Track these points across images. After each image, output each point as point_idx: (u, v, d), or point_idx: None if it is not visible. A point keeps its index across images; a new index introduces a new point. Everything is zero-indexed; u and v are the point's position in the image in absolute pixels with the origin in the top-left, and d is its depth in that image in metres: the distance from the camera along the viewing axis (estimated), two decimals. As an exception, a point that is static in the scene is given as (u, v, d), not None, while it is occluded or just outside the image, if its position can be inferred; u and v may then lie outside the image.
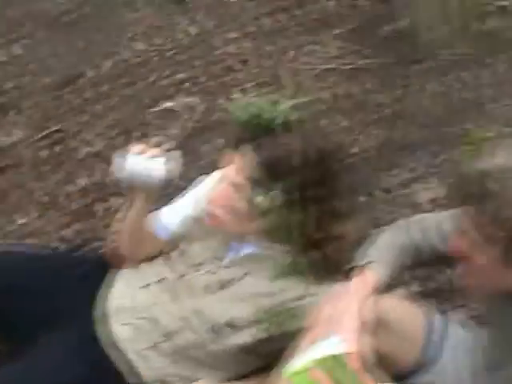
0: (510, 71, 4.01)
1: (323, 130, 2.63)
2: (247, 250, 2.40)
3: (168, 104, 3.85)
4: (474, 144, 1.86)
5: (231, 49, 4.26)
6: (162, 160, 2.33)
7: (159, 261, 2.49)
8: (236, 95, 3.86)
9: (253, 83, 3.97)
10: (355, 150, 3.56)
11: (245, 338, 2.34)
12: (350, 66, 4.05)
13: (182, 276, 2.41)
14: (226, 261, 2.40)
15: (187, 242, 2.47)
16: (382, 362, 2.21)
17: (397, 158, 3.52)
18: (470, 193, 1.74)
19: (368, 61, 4.08)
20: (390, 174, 3.44)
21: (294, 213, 2.25)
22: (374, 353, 2.07)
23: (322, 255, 2.33)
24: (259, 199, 2.24)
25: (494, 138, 1.85)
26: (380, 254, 2.26)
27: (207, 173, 2.62)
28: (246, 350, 2.35)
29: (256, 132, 2.26)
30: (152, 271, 2.47)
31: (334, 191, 2.31)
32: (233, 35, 4.38)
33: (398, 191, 3.34)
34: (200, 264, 2.40)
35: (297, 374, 1.87)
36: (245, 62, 4.16)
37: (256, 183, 2.23)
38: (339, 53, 4.16)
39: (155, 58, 4.19)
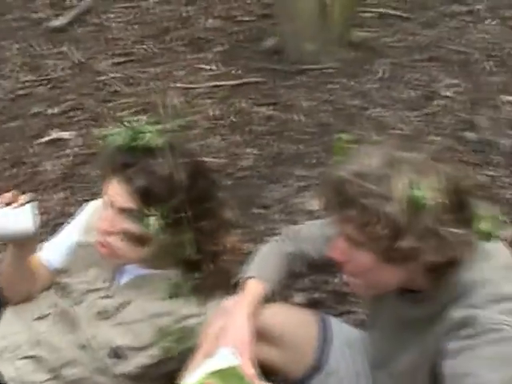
0: (390, 77, 4.16)
1: (194, 151, 2.64)
2: (128, 276, 2.41)
3: (56, 133, 3.83)
4: (343, 150, 1.90)
5: (117, 73, 4.28)
6: (27, 209, 2.25)
7: (52, 291, 2.48)
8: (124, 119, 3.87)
9: (140, 107, 4.01)
10: (245, 163, 3.64)
11: (130, 367, 2.36)
12: (233, 83, 4.13)
13: (73, 305, 2.41)
14: (111, 289, 2.41)
15: (72, 271, 2.46)
16: (273, 372, 2.26)
17: (286, 168, 3.62)
18: (347, 196, 1.75)
19: (250, 77, 4.18)
20: (281, 184, 3.52)
21: (174, 235, 2.28)
22: (262, 364, 2.11)
23: (209, 272, 2.37)
24: (141, 226, 2.26)
25: (363, 143, 1.88)
26: (262, 265, 2.30)
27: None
28: (135, 377, 2.38)
29: (131, 157, 2.26)
30: (46, 302, 2.46)
31: (209, 210, 2.35)
32: (118, 59, 4.40)
33: (291, 200, 3.42)
34: (86, 292, 2.41)
35: None
36: (131, 85, 4.18)
37: (133, 211, 2.25)
38: (224, 71, 4.23)
39: (40, 88, 4.16)
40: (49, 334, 2.39)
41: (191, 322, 2.35)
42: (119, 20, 4.80)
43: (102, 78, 4.27)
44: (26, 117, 3.96)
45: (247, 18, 4.81)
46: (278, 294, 2.35)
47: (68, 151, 3.72)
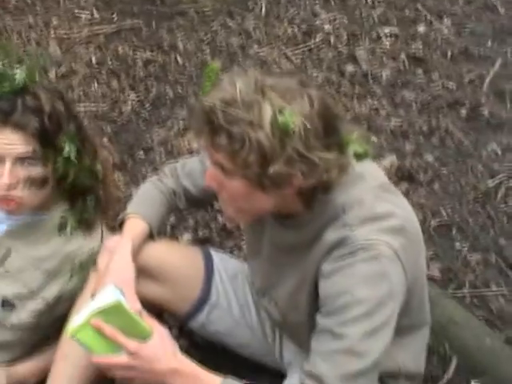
0: (269, 14, 4.16)
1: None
2: (5, 226, 2.39)
3: None
4: (212, 78, 1.90)
5: (-7, 23, 4.17)
6: None
7: None
8: None
9: (20, 56, 3.90)
10: (128, 108, 3.61)
11: (22, 315, 2.35)
12: (111, 28, 4.08)
13: None
14: None
15: None
16: (159, 309, 2.28)
17: (167, 111, 3.62)
18: (215, 124, 1.76)
19: (128, 22, 4.13)
20: (163, 127, 3.52)
21: (72, 166, 2.28)
22: (148, 301, 2.13)
23: (95, 201, 2.39)
24: (42, 166, 2.24)
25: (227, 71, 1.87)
26: (142, 203, 2.31)
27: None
28: (29, 326, 2.37)
29: (9, 103, 2.23)
30: None
31: (86, 135, 2.37)
32: (-5, 10, 4.28)
33: (174, 142, 3.42)
34: None
35: (79, 329, 1.90)
36: (9, 35, 4.08)
37: (33, 154, 2.22)
38: (101, 17, 4.17)
39: None
40: None
41: (80, 256, 2.36)
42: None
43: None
44: None
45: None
46: (160, 229, 2.37)
47: None
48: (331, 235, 1.88)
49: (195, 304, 2.36)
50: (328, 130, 1.81)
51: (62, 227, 2.38)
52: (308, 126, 1.75)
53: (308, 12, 4.24)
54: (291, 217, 1.98)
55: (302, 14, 4.21)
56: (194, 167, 2.35)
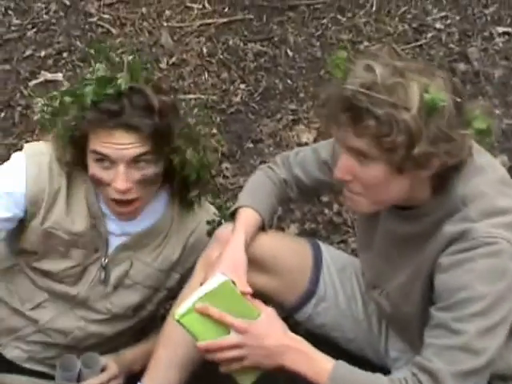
0: (380, 10, 4.14)
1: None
2: (120, 239, 2.39)
3: (48, 75, 3.82)
4: (342, 67, 1.87)
5: (106, 15, 4.25)
6: None
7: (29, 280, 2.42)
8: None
9: (133, 46, 3.99)
10: (237, 99, 3.64)
11: (148, 308, 2.43)
12: (222, 20, 4.12)
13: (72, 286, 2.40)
14: (108, 256, 2.38)
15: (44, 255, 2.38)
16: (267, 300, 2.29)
17: (277, 103, 3.63)
18: (359, 109, 1.74)
19: (239, 14, 4.17)
20: (273, 118, 3.53)
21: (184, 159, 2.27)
22: (257, 292, 2.14)
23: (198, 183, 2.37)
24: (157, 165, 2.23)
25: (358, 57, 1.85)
26: (254, 193, 2.32)
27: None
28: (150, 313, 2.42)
29: (117, 105, 2.17)
30: (30, 291, 2.43)
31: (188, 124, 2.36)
32: (107, 1, 4.37)
33: (283, 134, 3.43)
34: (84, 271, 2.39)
35: (186, 313, 1.92)
36: (121, 25, 4.16)
37: (148, 154, 2.19)
38: (213, 9, 4.21)
39: (30, 31, 4.13)
40: (53, 322, 2.39)
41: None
42: (107, -39, 4.75)
43: (92, 19, 4.23)
44: (17, 60, 3.92)
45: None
46: (271, 221, 2.37)
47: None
48: (451, 228, 1.86)
49: (303, 296, 2.36)
50: (461, 107, 1.81)
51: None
52: (451, 102, 1.75)
53: (419, 9, 4.19)
54: (409, 208, 1.97)
55: (413, 12, 4.17)
56: (308, 156, 2.35)
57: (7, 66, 3.88)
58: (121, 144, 2.16)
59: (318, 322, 2.40)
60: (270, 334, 1.92)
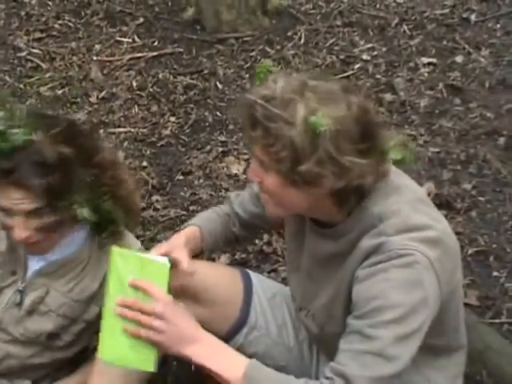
0: (309, 43, 4.21)
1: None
2: (37, 264, 2.33)
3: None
4: (263, 76, 1.95)
5: (36, 49, 4.25)
6: None
7: None
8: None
9: (60, 81, 4.00)
10: (167, 132, 3.66)
11: (66, 338, 2.38)
12: (152, 54, 4.16)
13: None
14: (25, 280, 2.33)
15: None
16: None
17: (206, 135, 3.66)
18: (254, 118, 1.80)
19: (169, 48, 4.21)
20: (203, 151, 3.56)
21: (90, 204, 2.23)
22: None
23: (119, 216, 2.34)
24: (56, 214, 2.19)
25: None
26: (203, 218, 2.35)
27: None
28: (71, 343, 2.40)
29: (9, 161, 2.05)
30: None
31: (101, 160, 2.27)
32: (37, 35, 4.37)
33: (212, 165, 3.46)
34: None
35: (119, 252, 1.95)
36: (51, 60, 4.16)
37: (42, 208, 2.10)
38: (142, 42, 4.25)
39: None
40: None
41: None
42: (37, -4, 4.76)
43: (21, 54, 4.23)
44: None
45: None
46: (214, 245, 2.38)
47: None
48: (367, 242, 1.89)
49: (234, 325, 2.36)
50: (364, 136, 1.81)
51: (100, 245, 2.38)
52: (340, 129, 1.76)
53: (347, 41, 4.28)
54: (329, 226, 2.00)
55: (340, 44, 4.25)
56: (245, 195, 2.39)
57: None
58: (14, 199, 2.12)
59: (250, 351, 2.40)
60: (187, 320, 1.93)
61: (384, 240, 1.85)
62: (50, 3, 4.68)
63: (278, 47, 4.17)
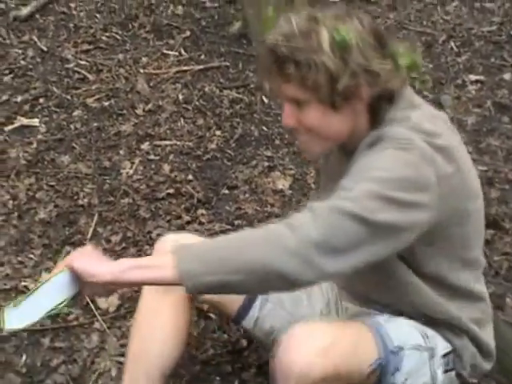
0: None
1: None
2: None
3: (24, 121, 3.83)
4: (269, 24, 2.04)
5: (83, 61, 4.28)
6: None
7: None
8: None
9: (106, 93, 4.02)
10: (213, 146, 3.66)
11: None
12: (199, 67, 4.17)
13: None
14: None
15: None
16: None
17: (252, 149, 3.66)
18: (282, 57, 1.87)
19: (215, 61, 4.22)
20: (248, 165, 3.56)
21: None
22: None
23: None
24: None
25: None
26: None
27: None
28: None
29: None
30: None
31: None
32: (84, 47, 4.40)
33: (258, 180, 3.45)
34: None
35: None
36: (97, 72, 4.19)
37: None
38: (189, 56, 4.26)
39: (7, 77, 4.15)
40: None
41: None
42: (84, 8, 4.79)
43: (69, 65, 4.26)
44: (-5, 105, 3.94)
45: (212, 5, 4.83)
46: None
47: (35, 138, 3.72)
48: (368, 139, 1.95)
49: (246, 299, 2.34)
50: (381, 44, 1.92)
51: None
52: (362, 40, 1.88)
53: (394, 57, 4.25)
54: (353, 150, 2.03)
55: (387, 59, 4.22)
56: None
57: (-18, 111, 3.88)
58: None
59: (267, 325, 2.36)
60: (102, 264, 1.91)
61: (387, 130, 1.92)
62: (98, 15, 4.71)
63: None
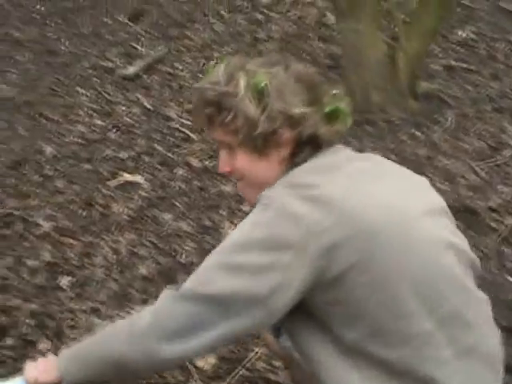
0: (457, 127, 4.17)
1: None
2: None
3: (128, 177, 3.91)
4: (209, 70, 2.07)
5: (187, 120, 4.37)
6: None
7: None
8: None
9: (209, 153, 4.09)
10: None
11: None
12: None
13: None
14: None
15: None
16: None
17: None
18: (206, 101, 1.94)
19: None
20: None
21: None
22: None
23: None
24: None
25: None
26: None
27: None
28: None
29: None
30: None
31: None
32: (188, 107, 4.49)
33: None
34: None
35: None
36: (201, 132, 4.26)
37: None
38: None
39: (112, 133, 4.26)
40: None
41: None
42: (189, 69, 4.91)
43: (172, 124, 4.35)
44: (98, 160, 4.03)
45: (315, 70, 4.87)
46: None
47: (138, 194, 3.79)
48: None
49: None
50: (307, 89, 1.94)
51: None
52: (281, 84, 1.90)
53: (496, 127, 4.22)
54: None
55: (489, 129, 4.20)
56: None
57: (89, 166, 3.97)
58: None
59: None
60: None
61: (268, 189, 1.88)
62: (201, 76, 4.80)
63: (426, 130, 4.15)
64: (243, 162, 1.96)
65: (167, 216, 3.64)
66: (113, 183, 3.86)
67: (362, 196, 1.80)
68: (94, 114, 4.40)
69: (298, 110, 1.90)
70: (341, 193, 1.79)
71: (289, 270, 1.74)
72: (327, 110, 1.96)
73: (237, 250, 1.79)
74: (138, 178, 3.92)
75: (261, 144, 1.92)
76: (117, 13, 5.59)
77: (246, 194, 2.06)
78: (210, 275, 1.80)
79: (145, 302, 3.13)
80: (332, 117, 1.96)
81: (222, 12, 5.64)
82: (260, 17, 5.60)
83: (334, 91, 2.02)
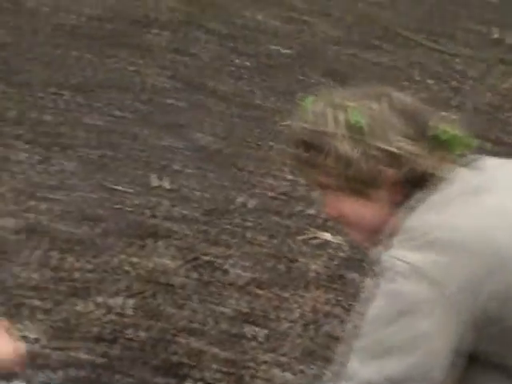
0: None
1: None
2: None
3: (317, 233, 3.90)
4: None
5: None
6: None
7: None
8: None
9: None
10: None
11: None
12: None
13: None
14: None
15: None
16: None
17: None
18: (303, 141, 1.84)
19: None
20: None
21: None
22: None
23: None
24: None
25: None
26: None
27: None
28: None
29: None
30: None
31: None
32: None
33: None
34: None
35: None
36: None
37: None
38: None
39: (303, 188, 4.27)
40: None
41: None
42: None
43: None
44: (288, 215, 4.06)
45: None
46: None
47: (330, 252, 3.78)
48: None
49: None
50: (410, 122, 1.81)
51: None
52: (386, 120, 1.79)
53: None
54: None
55: None
56: None
57: (278, 219, 3.98)
58: None
59: None
60: None
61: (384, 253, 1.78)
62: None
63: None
64: (350, 206, 1.87)
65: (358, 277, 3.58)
66: (300, 238, 3.86)
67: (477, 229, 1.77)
68: (286, 169, 4.41)
69: (398, 145, 1.80)
70: (458, 228, 1.74)
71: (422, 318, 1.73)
72: (437, 139, 1.85)
73: (374, 332, 1.74)
74: (325, 235, 3.91)
75: (360, 186, 1.83)
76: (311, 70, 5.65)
77: (354, 237, 2.00)
78: (353, 368, 1.73)
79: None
80: (443, 145, 1.86)
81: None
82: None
83: (442, 115, 1.95)
